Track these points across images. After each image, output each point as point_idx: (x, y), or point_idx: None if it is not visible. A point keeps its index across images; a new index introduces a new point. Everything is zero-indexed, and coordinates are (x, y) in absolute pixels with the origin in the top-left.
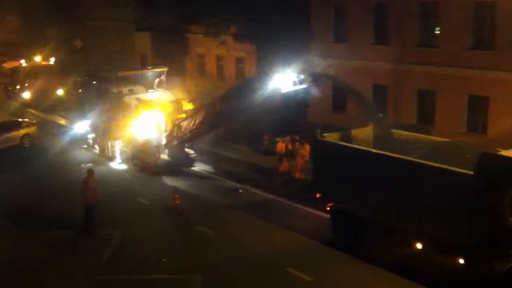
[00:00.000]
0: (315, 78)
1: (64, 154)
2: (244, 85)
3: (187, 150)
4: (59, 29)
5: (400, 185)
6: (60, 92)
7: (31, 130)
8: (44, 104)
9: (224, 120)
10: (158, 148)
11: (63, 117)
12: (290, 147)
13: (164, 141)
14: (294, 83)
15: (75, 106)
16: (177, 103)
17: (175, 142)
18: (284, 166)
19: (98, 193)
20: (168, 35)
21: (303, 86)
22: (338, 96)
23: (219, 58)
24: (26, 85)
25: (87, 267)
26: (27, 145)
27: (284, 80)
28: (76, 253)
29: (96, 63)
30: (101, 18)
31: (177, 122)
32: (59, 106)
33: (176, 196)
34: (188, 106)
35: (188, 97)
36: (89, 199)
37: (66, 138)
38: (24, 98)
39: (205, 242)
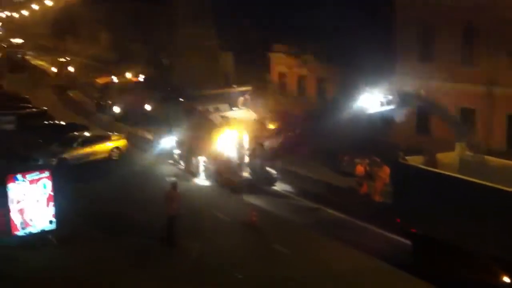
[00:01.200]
0: (404, 99)
1: (150, 167)
2: (330, 105)
3: (268, 169)
4: (147, 47)
5: (487, 212)
6: (147, 107)
7: (120, 143)
8: (132, 118)
9: (308, 140)
10: (240, 166)
11: (149, 131)
12: (368, 169)
13: (246, 159)
14: (382, 104)
15: (162, 122)
16: (261, 122)
17: (258, 160)
18: (364, 188)
19: (180, 206)
20: (251, 54)
21: (391, 107)
22: (423, 117)
23: (300, 78)
24: (116, 100)
25: (165, 276)
26: (115, 158)
27: (371, 101)
28: (155, 262)
29: (181, 80)
30: (187, 37)
31: (260, 141)
32: (146, 121)
33: (254, 213)
34: (271, 125)
35: (271, 116)
36: (171, 210)
37: (153, 153)
38: (114, 113)
39: (281, 259)
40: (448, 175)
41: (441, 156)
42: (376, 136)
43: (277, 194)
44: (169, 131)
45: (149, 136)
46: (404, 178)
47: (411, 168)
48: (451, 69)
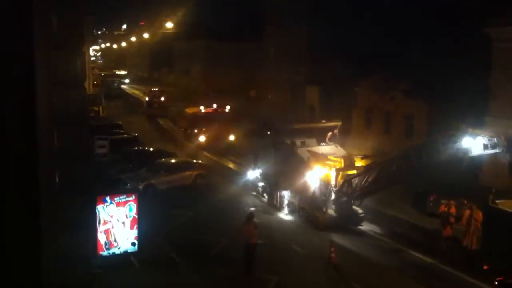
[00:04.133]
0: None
1: (234, 198)
2: (428, 145)
3: (355, 208)
4: (237, 80)
5: None
6: (232, 138)
7: (204, 171)
8: (217, 148)
9: (400, 180)
10: (325, 203)
11: (233, 161)
12: (454, 210)
13: (333, 196)
14: (485, 147)
15: (247, 153)
16: (349, 159)
17: (344, 198)
18: (448, 231)
19: (256, 237)
20: (337, 88)
21: (496, 150)
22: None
23: (387, 114)
24: (203, 129)
25: None
26: (199, 185)
27: (475, 143)
28: None
29: (268, 112)
30: (276, 71)
31: (348, 178)
32: (230, 151)
33: (332, 249)
34: (360, 163)
35: (359, 153)
36: (247, 240)
37: (237, 183)
38: (199, 141)
39: None
40: None
41: None
42: (467, 177)
43: (362, 234)
44: (255, 163)
45: (231, 165)
46: (494, 222)
47: (502, 213)
48: None
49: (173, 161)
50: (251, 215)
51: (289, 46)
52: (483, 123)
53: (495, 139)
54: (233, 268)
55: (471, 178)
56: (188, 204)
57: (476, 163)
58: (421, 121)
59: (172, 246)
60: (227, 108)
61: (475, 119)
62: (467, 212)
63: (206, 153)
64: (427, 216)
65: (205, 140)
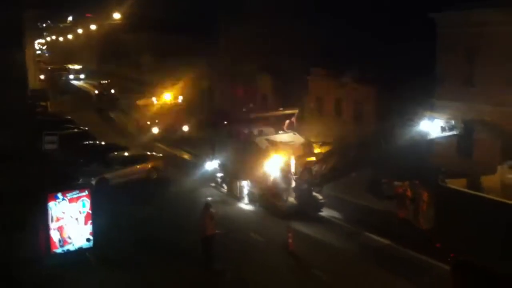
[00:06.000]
0: (468, 125)
1: (191, 190)
2: (387, 130)
3: (315, 194)
4: (187, 70)
5: None
6: (186, 129)
7: (159, 164)
8: (171, 139)
9: (359, 166)
10: (285, 191)
11: (189, 153)
12: (409, 192)
13: (292, 184)
14: (443, 129)
15: (203, 144)
16: (308, 146)
17: (304, 185)
18: (403, 212)
19: (215, 227)
20: (289, 77)
21: (453, 132)
22: (464, 140)
23: (338, 100)
24: (156, 121)
25: None
26: (153, 178)
27: (433, 126)
28: (189, 284)
29: (220, 102)
30: (227, 61)
31: (307, 166)
32: (185, 142)
33: (290, 236)
34: (318, 150)
35: (316, 140)
36: (205, 232)
37: (195, 175)
38: (153, 133)
39: (318, 283)
40: (487, 198)
41: (484, 179)
42: (419, 160)
43: (322, 220)
44: (212, 154)
45: (186, 156)
46: (445, 201)
47: (451, 192)
48: (495, 93)
49: (126, 154)
50: (207, 205)
51: (241, 37)
52: (432, 106)
53: (453, 122)
54: (192, 261)
55: (422, 160)
56: (143, 198)
57: (427, 145)
58: (371, 106)
59: (130, 242)
60: (180, 99)
61: (424, 102)
62: (418, 191)
63: (160, 145)
64: (383, 200)
65: (159, 132)
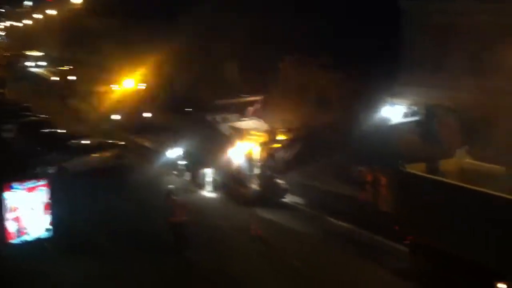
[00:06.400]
0: (431, 110)
1: (153, 178)
2: (351, 116)
3: (279, 181)
4: (150, 57)
5: (485, 221)
6: (148, 115)
7: (120, 151)
8: (133, 126)
9: (323, 152)
10: (250, 178)
11: (151, 140)
12: (370, 177)
13: (256, 171)
14: (406, 115)
15: (166, 131)
16: (272, 133)
17: (268, 172)
18: (364, 196)
19: (181, 214)
20: (255, 64)
21: (415, 118)
22: (425, 126)
23: (304, 87)
24: (118, 108)
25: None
26: (115, 166)
27: (395, 112)
28: (157, 273)
29: (184, 89)
30: (191, 45)
31: (271, 152)
32: (147, 129)
33: (254, 222)
34: (283, 136)
35: (281, 127)
36: (173, 218)
37: (157, 162)
38: (114, 120)
39: (284, 269)
40: (444, 182)
41: (442, 163)
42: (380, 145)
43: (286, 206)
44: (175, 141)
45: (152, 146)
46: (403, 185)
47: (409, 176)
48: (459, 79)
49: (87, 142)
50: (169, 193)
51: (208, 24)
52: (399, 92)
53: (414, 107)
54: (157, 249)
55: (383, 145)
56: (105, 186)
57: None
58: (336, 93)
59: (92, 231)
60: (142, 85)
61: (390, 88)
62: (378, 176)
63: (121, 133)
64: (347, 185)
65: (120, 119)
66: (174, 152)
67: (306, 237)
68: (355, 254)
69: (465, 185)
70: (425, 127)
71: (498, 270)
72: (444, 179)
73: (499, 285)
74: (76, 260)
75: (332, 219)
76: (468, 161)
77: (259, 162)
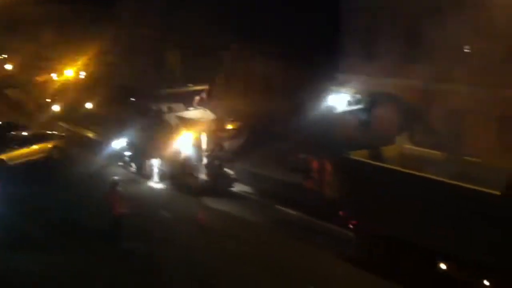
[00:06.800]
0: (375, 98)
1: (97, 169)
2: (296, 106)
3: (227, 170)
4: (91, 45)
5: (425, 204)
6: (90, 105)
7: (61, 143)
8: (74, 117)
9: (269, 140)
10: (197, 168)
11: (94, 131)
12: (315, 164)
13: (204, 161)
14: (350, 103)
15: (109, 122)
16: (219, 122)
17: (216, 162)
18: (309, 183)
19: (123, 206)
20: (197, 52)
21: (359, 106)
22: (368, 113)
23: (248, 76)
24: (57, 98)
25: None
26: (56, 157)
27: (339, 100)
28: (97, 265)
29: (126, 78)
30: (133, 36)
31: (218, 142)
32: (90, 120)
33: (201, 212)
34: (230, 126)
35: (227, 116)
36: (115, 211)
37: (101, 154)
38: (54, 111)
39: (230, 256)
40: (385, 168)
41: (384, 150)
42: (325, 133)
43: (234, 195)
44: (119, 132)
45: (91, 135)
46: (347, 172)
47: (353, 162)
48: (395, 65)
49: (25, 133)
50: (114, 184)
51: (147, 10)
52: (342, 80)
53: (358, 95)
54: (100, 241)
55: (328, 133)
56: (45, 179)
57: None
58: (281, 81)
59: (31, 224)
60: (82, 74)
61: (332, 77)
62: (315, 164)
63: (62, 124)
64: (292, 173)
65: (60, 110)
66: (119, 143)
67: (253, 225)
68: (302, 240)
69: (404, 170)
70: (368, 114)
71: (440, 251)
72: (385, 165)
73: (441, 265)
74: (14, 254)
75: (280, 207)
76: (409, 147)
77: (207, 151)
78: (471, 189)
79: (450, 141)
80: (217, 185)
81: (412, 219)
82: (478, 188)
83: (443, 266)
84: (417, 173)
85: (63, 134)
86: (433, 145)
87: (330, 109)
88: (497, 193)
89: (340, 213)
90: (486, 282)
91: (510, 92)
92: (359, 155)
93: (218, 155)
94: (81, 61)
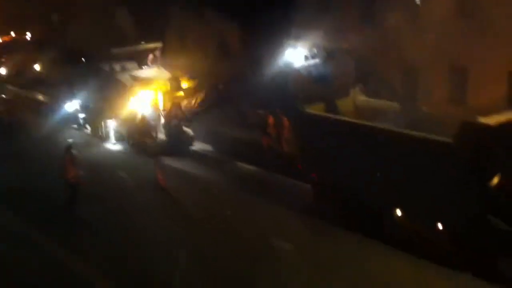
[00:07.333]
0: (331, 53)
1: (50, 133)
2: (252, 63)
3: (185, 129)
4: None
5: (379, 155)
6: (38, 67)
7: (9, 106)
8: (22, 80)
9: (227, 99)
10: (155, 128)
11: (43, 93)
12: (271, 120)
13: (162, 121)
14: (306, 58)
15: (61, 84)
16: (175, 81)
17: (174, 121)
18: (267, 139)
19: (78, 169)
20: (148, 9)
21: (316, 61)
22: (323, 67)
23: (202, 33)
24: (2, 60)
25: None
26: (5, 122)
27: (297, 55)
28: (54, 229)
29: (74, 38)
30: None
31: (176, 101)
32: (39, 82)
33: (159, 172)
34: (186, 84)
35: (183, 74)
36: (69, 175)
37: (54, 117)
38: (1, 74)
39: (190, 216)
40: (342, 120)
41: (339, 103)
42: (282, 89)
43: (194, 154)
44: (71, 94)
45: (41, 98)
46: (303, 126)
47: (308, 116)
48: (349, 22)
49: None
50: (68, 148)
51: None
52: (298, 35)
53: (315, 50)
54: (54, 206)
55: (284, 89)
56: None
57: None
58: (235, 38)
59: None
60: (28, 35)
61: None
62: (271, 120)
63: (10, 87)
64: (250, 130)
65: (7, 73)
66: (72, 105)
67: (213, 182)
68: (262, 195)
69: (358, 121)
70: (323, 69)
71: (394, 201)
72: (340, 117)
73: (395, 214)
74: None
75: (239, 164)
76: (362, 98)
77: (164, 111)
78: (423, 138)
79: (404, 93)
80: (177, 145)
81: (367, 170)
82: (430, 136)
83: (397, 215)
84: (370, 124)
85: (10, 98)
86: (387, 97)
87: (287, 65)
88: (448, 141)
89: (298, 166)
90: (439, 227)
91: (459, 45)
92: (315, 109)
93: (176, 115)
94: (26, 21)
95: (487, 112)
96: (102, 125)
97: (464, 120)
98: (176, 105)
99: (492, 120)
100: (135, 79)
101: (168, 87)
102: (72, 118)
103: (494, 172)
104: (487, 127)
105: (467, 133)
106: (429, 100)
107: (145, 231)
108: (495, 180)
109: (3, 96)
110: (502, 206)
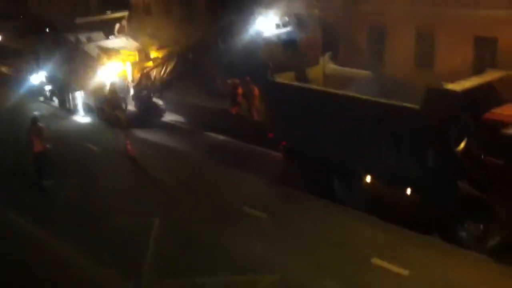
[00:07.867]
0: (301, 21)
1: (16, 106)
2: (222, 31)
3: (155, 100)
4: None
5: (347, 121)
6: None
7: None
8: None
9: (197, 68)
10: (124, 100)
11: (7, 65)
12: (240, 89)
13: (131, 92)
14: (278, 26)
15: (24, 55)
16: (144, 51)
17: (144, 92)
18: (236, 108)
19: (44, 143)
20: None
21: (287, 29)
22: (294, 35)
23: (167, 1)
24: None
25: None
26: None
27: (267, 24)
28: (23, 203)
29: (36, 9)
30: None
31: (145, 71)
32: (2, 55)
33: (128, 142)
34: (155, 54)
35: (151, 43)
36: (36, 148)
37: (19, 90)
38: None
39: (162, 187)
40: (311, 88)
41: (308, 71)
42: (251, 57)
43: (164, 125)
44: (36, 65)
45: (8, 71)
46: (273, 94)
47: (278, 85)
48: None
49: None
50: (35, 120)
51: None
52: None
53: (286, 18)
54: (23, 180)
55: (254, 57)
56: None
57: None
58: (203, 5)
59: None
60: None
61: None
62: (240, 89)
63: None
64: (220, 99)
65: None
66: (38, 77)
67: (183, 153)
68: (232, 164)
69: (327, 89)
70: (293, 36)
71: (364, 167)
72: (310, 86)
73: (365, 180)
74: None
75: (209, 134)
76: (331, 66)
77: (133, 82)
78: (391, 104)
79: (373, 60)
80: (146, 115)
81: (337, 138)
82: (397, 103)
83: (367, 180)
84: (339, 92)
85: None
86: (356, 64)
87: (258, 33)
88: (416, 107)
89: (269, 135)
90: (408, 192)
91: (425, 7)
92: (284, 78)
93: (145, 85)
94: None
95: (454, 77)
96: (69, 97)
97: (430, 86)
98: (145, 75)
99: (458, 85)
100: (102, 49)
101: (137, 58)
102: (38, 90)
103: (460, 138)
104: (453, 92)
105: (433, 99)
106: (397, 64)
107: (116, 201)
108: (462, 146)
109: None
110: (468, 171)
